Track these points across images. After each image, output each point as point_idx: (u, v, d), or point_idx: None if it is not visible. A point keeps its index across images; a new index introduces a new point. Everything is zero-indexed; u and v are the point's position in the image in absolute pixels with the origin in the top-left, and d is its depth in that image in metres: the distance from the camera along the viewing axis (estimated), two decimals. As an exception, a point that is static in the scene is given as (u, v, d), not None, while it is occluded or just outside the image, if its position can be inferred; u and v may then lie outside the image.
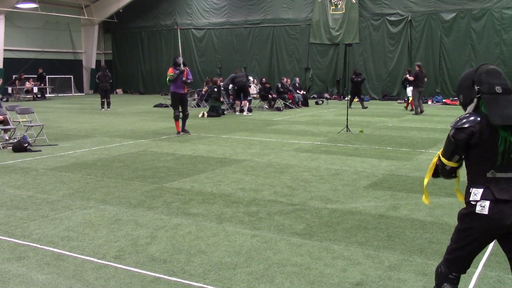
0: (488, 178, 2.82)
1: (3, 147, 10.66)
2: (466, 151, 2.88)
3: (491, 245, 4.74)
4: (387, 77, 26.33)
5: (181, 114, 12.90)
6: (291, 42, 29.22)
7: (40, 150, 10.36)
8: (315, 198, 6.50)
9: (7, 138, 11.47)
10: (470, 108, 2.90)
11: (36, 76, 28.89)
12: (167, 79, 12.78)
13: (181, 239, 4.92)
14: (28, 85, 28.68)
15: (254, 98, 21.82)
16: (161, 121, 16.24)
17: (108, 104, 21.10)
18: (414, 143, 11.20)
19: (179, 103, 12.77)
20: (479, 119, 2.81)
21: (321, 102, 25.16)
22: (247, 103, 19.31)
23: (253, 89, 22.15)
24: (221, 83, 20.07)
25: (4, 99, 25.75)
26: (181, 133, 12.80)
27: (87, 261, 4.36)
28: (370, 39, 26.93)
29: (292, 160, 9.18)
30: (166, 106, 22.24)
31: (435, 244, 4.76)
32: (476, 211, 2.81)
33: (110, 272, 4.13)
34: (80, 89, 34.70)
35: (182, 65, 12.70)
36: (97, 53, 35.13)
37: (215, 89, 18.55)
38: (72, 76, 33.70)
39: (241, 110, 19.41)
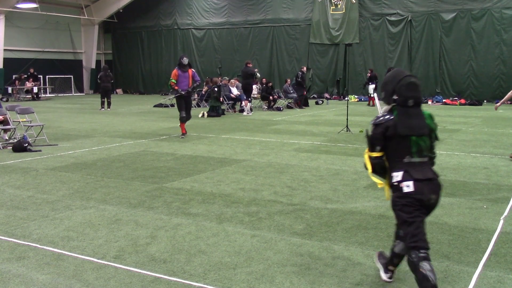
0: (405, 163, 3.50)
1: (3, 147, 10.66)
2: (385, 142, 3.55)
3: (491, 245, 4.74)
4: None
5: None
6: (291, 42, 29.22)
7: (40, 150, 10.36)
8: (315, 198, 6.50)
9: (7, 138, 11.47)
10: (387, 108, 3.62)
11: (26, 76, 28.75)
12: (169, 83, 12.30)
13: (181, 239, 4.92)
14: (28, 85, 28.66)
15: (254, 98, 21.82)
16: (161, 121, 16.23)
17: (109, 104, 21.11)
18: (414, 143, 11.18)
19: (184, 103, 12.33)
20: (392, 117, 3.54)
21: (321, 102, 25.16)
22: (248, 103, 19.35)
23: (254, 89, 22.15)
24: (221, 83, 20.08)
25: (4, 99, 25.75)
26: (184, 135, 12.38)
27: (87, 261, 4.36)
28: (370, 39, 26.92)
29: (292, 160, 9.18)
30: (166, 106, 22.25)
31: (435, 244, 4.75)
32: (404, 191, 3.44)
33: (110, 272, 4.13)
34: (80, 89, 34.70)
35: (187, 66, 12.27)
36: (97, 53, 35.10)
37: (215, 89, 18.55)
38: (72, 76, 33.68)
39: (241, 110, 19.47)
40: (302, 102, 22.01)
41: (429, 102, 24.41)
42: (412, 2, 25.56)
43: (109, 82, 21.05)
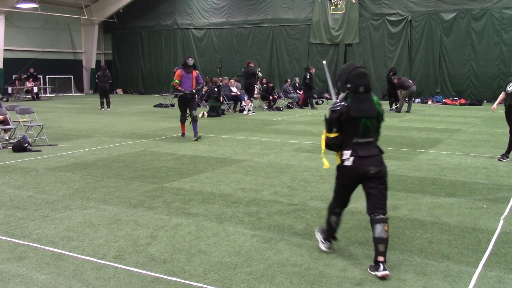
0: (354, 143, 4.17)
1: (3, 147, 10.66)
2: (340, 125, 4.18)
3: (491, 245, 4.75)
4: (387, 77, 26.32)
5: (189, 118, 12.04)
6: (291, 42, 29.20)
7: (40, 150, 10.36)
8: (315, 198, 6.50)
9: (7, 138, 11.47)
10: (342, 96, 4.24)
11: (26, 76, 28.74)
12: (172, 83, 12.01)
13: (181, 239, 4.92)
14: (28, 85, 28.66)
15: (255, 98, 21.81)
16: (161, 121, 16.23)
17: (108, 104, 21.08)
18: (414, 143, 11.20)
19: (186, 105, 11.95)
20: (346, 104, 4.16)
21: (321, 102, 25.15)
22: (250, 103, 19.38)
23: (254, 89, 22.14)
24: (221, 83, 20.10)
25: (4, 99, 25.74)
26: (193, 138, 11.81)
27: (87, 261, 4.36)
28: (370, 39, 26.91)
29: (292, 160, 9.18)
30: (166, 106, 22.25)
31: (435, 244, 4.76)
32: (345, 164, 4.21)
33: (110, 272, 4.13)
34: (80, 89, 34.68)
35: (192, 67, 11.90)
36: (97, 53, 35.08)
37: (215, 89, 18.55)
38: (72, 76, 33.66)
39: (241, 110, 19.49)
40: (303, 103, 22.02)
41: (429, 102, 24.40)
42: (412, 2, 25.55)
43: (107, 82, 20.97)
